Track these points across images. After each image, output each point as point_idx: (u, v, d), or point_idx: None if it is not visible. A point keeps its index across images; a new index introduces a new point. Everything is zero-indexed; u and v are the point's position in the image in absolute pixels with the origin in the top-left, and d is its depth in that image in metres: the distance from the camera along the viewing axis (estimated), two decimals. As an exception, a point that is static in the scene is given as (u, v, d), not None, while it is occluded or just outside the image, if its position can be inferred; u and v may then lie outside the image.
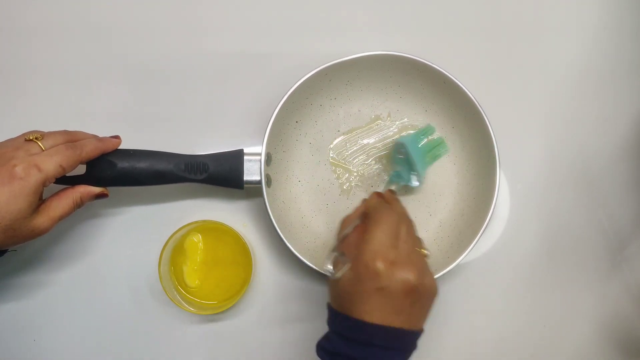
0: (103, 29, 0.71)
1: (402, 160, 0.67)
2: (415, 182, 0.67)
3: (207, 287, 0.65)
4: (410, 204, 0.69)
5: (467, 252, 0.62)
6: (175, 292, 0.64)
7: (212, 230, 0.65)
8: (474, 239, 0.62)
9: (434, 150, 0.69)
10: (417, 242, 0.55)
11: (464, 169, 0.69)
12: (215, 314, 0.66)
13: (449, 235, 0.67)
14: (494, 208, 0.63)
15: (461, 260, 0.62)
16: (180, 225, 0.62)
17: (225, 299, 0.65)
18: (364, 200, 0.62)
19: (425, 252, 0.55)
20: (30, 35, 0.71)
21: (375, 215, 0.53)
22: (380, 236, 0.51)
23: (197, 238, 0.65)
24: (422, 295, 0.50)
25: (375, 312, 0.48)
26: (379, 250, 0.50)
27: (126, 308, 0.67)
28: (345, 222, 0.60)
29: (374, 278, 0.49)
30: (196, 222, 0.63)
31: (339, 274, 0.52)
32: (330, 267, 0.54)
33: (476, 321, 0.69)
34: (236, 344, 0.67)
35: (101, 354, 0.67)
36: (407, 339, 0.50)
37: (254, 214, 0.68)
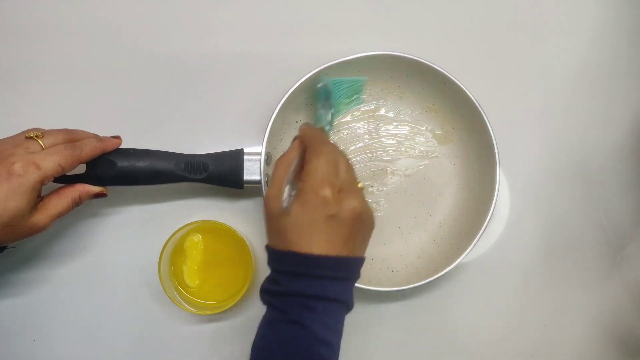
0: (104, 30, 0.71)
1: (324, 101, 0.66)
2: (326, 126, 0.65)
3: (207, 287, 0.65)
4: (410, 205, 0.69)
5: (466, 252, 0.62)
6: (175, 292, 0.64)
7: (212, 230, 0.65)
8: (473, 239, 0.62)
9: (351, 99, 0.69)
10: (354, 176, 0.54)
11: (464, 169, 0.69)
12: (215, 314, 0.66)
13: (449, 236, 0.67)
14: (494, 208, 0.63)
15: (461, 261, 0.62)
16: (180, 225, 0.62)
17: (225, 299, 0.65)
18: (296, 137, 0.56)
19: (361, 184, 0.55)
20: (31, 35, 0.71)
21: (314, 145, 0.52)
22: (323, 165, 0.50)
23: (197, 238, 0.65)
24: (364, 223, 0.50)
25: (323, 242, 0.48)
26: (324, 178, 0.49)
27: (126, 308, 0.67)
28: (281, 161, 0.54)
29: (323, 206, 0.48)
30: (196, 222, 0.63)
31: (285, 204, 0.50)
32: (285, 196, 0.51)
33: (476, 321, 0.69)
34: (236, 344, 0.67)
35: (100, 353, 0.67)
36: (354, 267, 0.50)
37: (254, 214, 0.68)
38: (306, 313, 0.47)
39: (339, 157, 0.52)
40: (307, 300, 0.47)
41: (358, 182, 0.53)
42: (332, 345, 0.48)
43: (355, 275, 0.50)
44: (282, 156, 0.53)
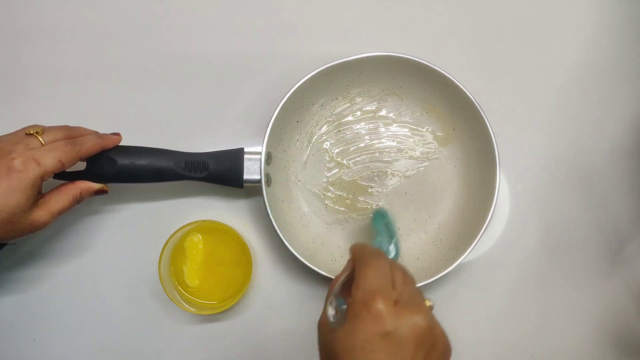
0: (105, 29, 0.72)
1: (382, 229, 0.64)
2: (392, 253, 0.61)
3: (207, 287, 0.65)
4: (410, 206, 0.69)
5: (466, 254, 0.62)
6: (175, 292, 0.64)
7: (212, 230, 0.65)
8: (473, 240, 0.62)
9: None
10: (418, 290, 0.47)
11: (464, 170, 0.69)
12: (215, 314, 0.66)
13: (449, 237, 0.67)
14: (493, 210, 0.63)
15: (461, 262, 0.62)
16: (180, 225, 0.62)
17: (225, 299, 0.65)
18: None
19: (430, 302, 0.47)
20: (31, 35, 0.71)
21: (364, 258, 0.47)
22: (374, 275, 0.44)
23: (197, 238, 0.65)
24: (434, 346, 0.42)
25: None
26: (376, 290, 0.43)
27: (126, 308, 0.67)
28: (331, 282, 0.50)
29: (376, 321, 0.41)
30: (196, 222, 0.63)
31: (334, 321, 0.44)
32: (331, 311, 0.46)
33: (476, 321, 0.69)
34: (236, 344, 0.67)
35: (100, 353, 0.67)
36: None
37: (253, 214, 0.68)
38: None
39: (394, 268, 0.46)
40: None
41: (425, 300, 0.46)
42: None
43: None
44: (335, 277, 0.48)
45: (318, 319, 0.47)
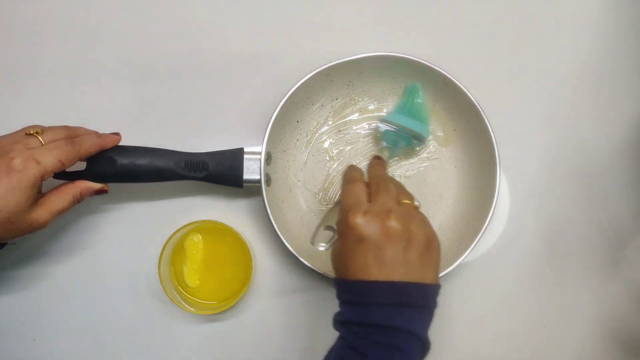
0: (105, 28, 0.72)
1: (395, 136, 0.67)
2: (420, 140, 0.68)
3: (207, 287, 0.65)
4: (411, 206, 0.69)
5: (465, 254, 0.62)
6: (175, 292, 0.64)
7: (212, 230, 0.65)
8: (473, 241, 0.62)
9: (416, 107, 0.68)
10: (402, 194, 0.53)
11: (464, 170, 0.69)
12: (215, 314, 0.66)
13: (449, 238, 0.67)
14: (493, 210, 0.63)
15: (460, 262, 0.62)
16: (180, 225, 0.62)
17: (225, 299, 0.65)
18: None
19: (416, 203, 0.53)
20: (31, 35, 0.71)
21: (344, 177, 0.55)
22: (347, 199, 0.51)
23: (197, 238, 0.65)
24: (413, 241, 0.48)
25: (369, 268, 0.47)
26: (349, 208, 0.49)
27: (126, 307, 0.67)
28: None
29: (351, 232, 0.48)
30: (196, 222, 0.63)
31: (328, 245, 0.54)
32: (322, 244, 0.56)
33: (476, 321, 0.69)
34: (236, 344, 0.67)
35: (100, 353, 0.67)
36: (414, 292, 0.47)
37: (253, 213, 0.68)
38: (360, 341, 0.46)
39: (376, 184, 0.53)
40: (361, 328, 0.47)
41: (411, 201, 0.52)
42: None
43: (420, 301, 0.48)
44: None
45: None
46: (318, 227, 0.57)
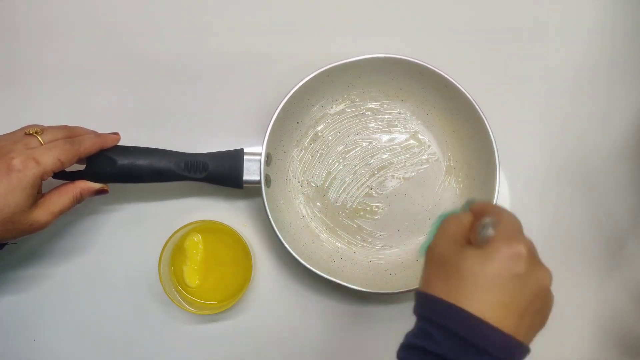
0: (105, 28, 0.72)
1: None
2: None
3: (207, 287, 0.65)
4: (410, 208, 0.69)
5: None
6: (175, 292, 0.64)
7: (212, 230, 0.65)
8: (472, 242, 0.62)
9: None
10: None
11: (464, 172, 0.69)
12: (215, 314, 0.66)
13: (449, 239, 0.67)
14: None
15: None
16: (180, 225, 0.63)
17: (225, 299, 0.65)
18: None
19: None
20: (31, 35, 0.71)
21: (495, 207, 0.47)
22: (515, 220, 0.44)
23: (197, 238, 0.65)
24: (545, 307, 0.43)
25: (499, 306, 0.40)
26: (518, 232, 0.43)
27: (126, 307, 0.67)
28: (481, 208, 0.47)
29: (514, 259, 0.40)
30: (196, 222, 0.63)
31: (485, 234, 0.42)
32: (489, 229, 0.42)
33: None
34: (236, 344, 0.67)
35: (100, 353, 0.67)
36: (517, 354, 0.41)
37: (253, 214, 0.68)
38: None
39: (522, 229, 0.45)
40: None
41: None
42: None
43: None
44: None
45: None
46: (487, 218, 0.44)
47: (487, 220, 0.43)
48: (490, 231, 0.42)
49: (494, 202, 0.63)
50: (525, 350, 0.41)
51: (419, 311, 0.43)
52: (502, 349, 0.39)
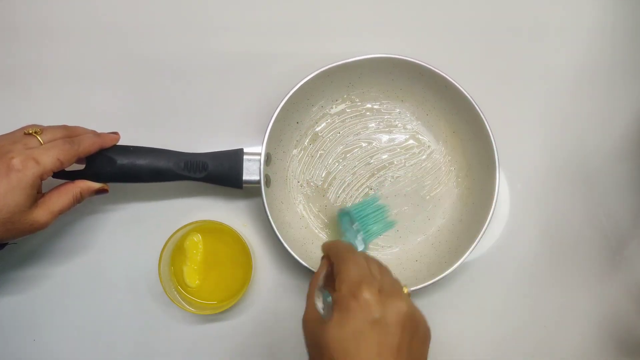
0: (105, 28, 0.72)
1: (347, 227, 0.64)
2: (360, 247, 0.62)
3: (207, 287, 0.65)
4: (409, 208, 0.69)
5: (464, 257, 0.62)
6: (175, 292, 0.64)
7: (212, 230, 0.65)
8: (472, 243, 0.62)
9: (380, 224, 0.65)
10: (395, 278, 0.49)
11: (463, 172, 0.69)
12: (215, 314, 0.66)
13: (448, 240, 0.67)
14: (492, 213, 0.63)
15: (460, 263, 0.62)
16: (180, 225, 0.63)
17: (225, 299, 0.65)
18: (323, 257, 0.54)
19: (407, 290, 0.48)
20: (31, 35, 0.71)
21: (340, 254, 0.48)
22: (355, 268, 0.45)
23: (197, 238, 0.65)
24: (417, 329, 0.44)
25: (373, 355, 0.41)
26: (361, 281, 0.44)
27: (126, 307, 0.67)
28: (310, 281, 0.51)
29: (364, 309, 0.42)
30: (196, 222, 0.63)
31: (324, 313, 0.46)
32: (320, 304, 0.47)
33: (476, 321, 0.69)
34: (236, 344, 0.67)
35: (100, 353, 0.67)
36: None
37: (253, 214, 0.69)
38: None
39: (369, 261, 0.48)
40: None
41: (403, 287, 0.47)
42: None
43: None
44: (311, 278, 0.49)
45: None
46: (315, 290, 0.49)
47: (322, 290, 0.47)
48: (329, 298, 0.45)
49: (493, 203, 0.63)
50: None
51: None
52: None
